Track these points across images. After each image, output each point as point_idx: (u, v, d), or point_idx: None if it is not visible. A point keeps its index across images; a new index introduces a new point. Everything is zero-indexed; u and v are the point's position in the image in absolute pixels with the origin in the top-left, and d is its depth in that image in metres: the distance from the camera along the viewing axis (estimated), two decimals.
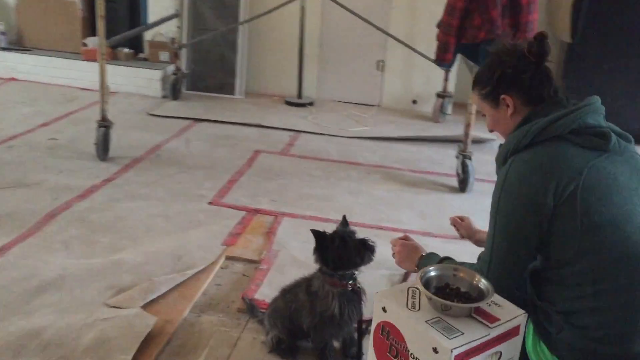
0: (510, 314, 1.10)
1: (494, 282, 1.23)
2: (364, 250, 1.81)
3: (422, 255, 1.59)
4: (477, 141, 4.47)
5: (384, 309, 1.11)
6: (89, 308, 2.14)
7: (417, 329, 1.05)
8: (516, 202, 1.31)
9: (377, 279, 2.37)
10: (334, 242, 1.82)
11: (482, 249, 1.88)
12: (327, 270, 1.86)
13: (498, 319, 1.08)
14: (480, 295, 1.11)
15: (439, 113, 4.91)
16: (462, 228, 1.86)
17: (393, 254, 1.68)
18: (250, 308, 2.21)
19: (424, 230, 2.97)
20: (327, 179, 3.59)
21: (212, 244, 2.67)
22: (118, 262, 2.47)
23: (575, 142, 1.31)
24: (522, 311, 1.11)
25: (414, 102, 5.23)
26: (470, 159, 3.45)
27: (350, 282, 1.88)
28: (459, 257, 1.64)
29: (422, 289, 1.09)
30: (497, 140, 4.52)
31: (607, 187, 1.28)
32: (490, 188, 3.90)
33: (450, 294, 1.13)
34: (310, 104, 5.17)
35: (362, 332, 1.98)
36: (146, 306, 2.18)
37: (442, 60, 3.38)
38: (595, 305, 1.25)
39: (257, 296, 2.29)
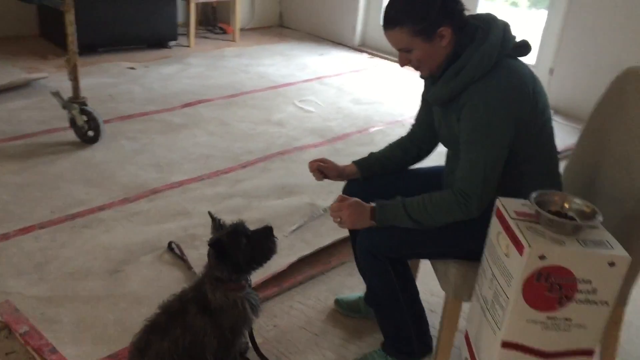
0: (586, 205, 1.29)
1: (492, 194, 1.39)
2: (272, 238, 1.62)
3: (373, 207, 1.53)
4: (25, 84, 3.84)
5: (542, 257, 1.15)
6: None
7: (582, 256, 1.16)
8: (506, 122, 1.39)
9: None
10: (240, 243, 1.56)
11: (343, 182, 1.82)
12: (228, 277, 1.59)
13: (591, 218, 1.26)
14: (581, 212, 1.26)
15: None
16: (329, 170, 1.75)
17: (338, 221, 1.53)
18: None
19: (118, 198, 2.59)
20: None
21: None
22: None
23: (512, 55, 1.45)
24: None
25: None
26: (87, 104, 3.02)
27: (248, 278, 1.67)
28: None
29: (552, 217, 1.19)
30: (51, 78, 3.92)
31: (540, 87, 1.50)
32: None
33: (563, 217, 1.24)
34: None
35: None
36: None
37: None
38: (539, 184, 1.45)
39: None
